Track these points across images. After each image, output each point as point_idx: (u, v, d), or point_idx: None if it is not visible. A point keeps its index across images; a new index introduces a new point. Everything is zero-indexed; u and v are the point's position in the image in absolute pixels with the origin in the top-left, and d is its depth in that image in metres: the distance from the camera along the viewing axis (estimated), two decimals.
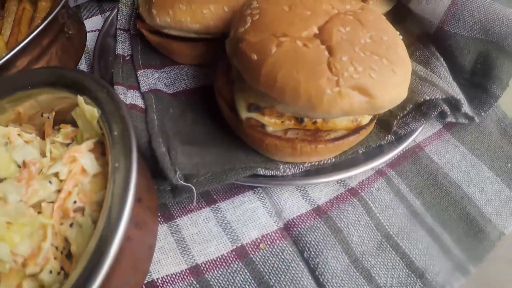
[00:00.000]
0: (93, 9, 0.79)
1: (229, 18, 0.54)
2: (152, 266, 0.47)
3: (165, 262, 0.48)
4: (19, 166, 0.42)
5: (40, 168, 0.42)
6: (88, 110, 0.42)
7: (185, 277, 0.47)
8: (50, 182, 0.41)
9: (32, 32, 0.53)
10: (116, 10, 0.67)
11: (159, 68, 0.61)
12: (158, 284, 0.46)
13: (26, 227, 0.38)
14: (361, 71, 0.42)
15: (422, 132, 0.56)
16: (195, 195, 0.47)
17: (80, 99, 0.43)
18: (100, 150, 0.44)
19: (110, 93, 0.43)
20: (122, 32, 0.65)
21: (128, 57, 0.62)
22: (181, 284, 0.46)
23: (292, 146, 0.48)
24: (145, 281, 0.47)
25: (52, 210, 0.39)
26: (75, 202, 0.40)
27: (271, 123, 0.47)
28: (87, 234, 0.38)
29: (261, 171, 0.49)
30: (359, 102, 0.42)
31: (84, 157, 0.41)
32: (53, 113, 0.50)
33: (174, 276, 0.47)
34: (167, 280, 0.47)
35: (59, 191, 0.40)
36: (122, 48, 0.63)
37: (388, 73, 0.44)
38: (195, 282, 0.46)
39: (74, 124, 0.46)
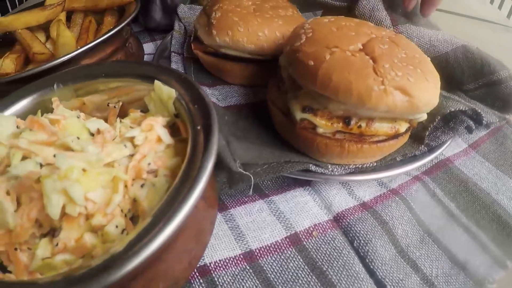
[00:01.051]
0: (145, 37, 0.91)
1: (280, 42, 0.65)
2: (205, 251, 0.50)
3: (219, 247, 0.51)
4: (91, 134, 0.47)
5: (114, 136, 0.47)
6: (166, 90, 0.48)
7: (239, 262, 0.49)
8: (125, 146, 0.45)
9: (99, 38, 0.62)
10: (170, 36, 0.78)
11: (211, 86, 0.70)
12: (210, 268, 0.49)
13: (101, 176, 0.41)
14: (401, 75, 0.51)
15: (451, 149, 0.63)
16: (252, 184, 0.52)
17: (158, 82, 0.50)
18: (170, 132, 0.49)
19: (183, 78, 0.50)
20: (176, 54, 0.75)
21: None
22: (234, 269, 0.49)
23: (340, 145, 0.54)
24: (197, 265, 0.49)
25: (126, 170, 0.43)
26: (149, 164, 0.44)
27: (322, 124, 0.54)
28: (160, 193, 0.42)
29: (313, 168, 0.55)
30: (401, 100, 0.50)
31: (160, 128, 0.47)
32: (120, 103, 0.56)
33: (227, 260, 0.50)
34: (220, 265, 0.49)
35: (132, 155, 0.44)
36: (176, 68, 0.72)
37: (422, 79, 0.52)
38: (248, 267, 0.49)
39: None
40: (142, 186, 0.43)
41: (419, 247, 0.52)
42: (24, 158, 0.43)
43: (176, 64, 0.73)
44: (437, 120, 0.59)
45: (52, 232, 0.40)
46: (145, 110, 0.54)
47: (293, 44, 0.57)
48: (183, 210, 0.35)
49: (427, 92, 0.52)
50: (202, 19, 0.69)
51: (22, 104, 0.54)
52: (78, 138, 0.45)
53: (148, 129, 0.46)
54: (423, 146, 0.59)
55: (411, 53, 0.56)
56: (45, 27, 0.73)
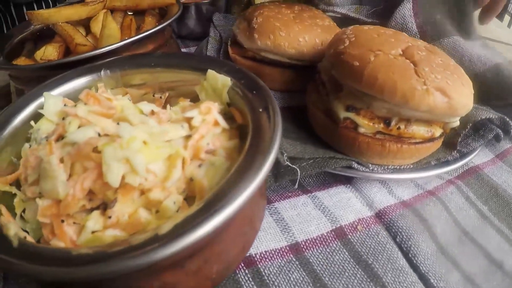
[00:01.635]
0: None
1: (319, 48, 0.68)
2: None
3: (264, 238, 0.52)
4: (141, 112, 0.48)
5: (169, 117, 0.49)
6: (221, 79, 0.50)
7: (285, 253, 0.50)
8: (182, 126, 0.46)
9: (144, 32, 0.65)
10: (205, 41, 0.81)
11: None
12: (256, 259, 0.50)
13: (162, 150, 0.41)
14: (440, 78, 0.55)
15: (479, 158, 0.67)
16: (298, 178, 0.54)
17: (212, 71, 0.52)
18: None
19: (237, 68, 0.52)
20: None
21: None
22: (280, 260, 0.50)
23: (382, 144, 0.57)
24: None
25: (185, 148, 0.43)
26: (208, 144, 0.45)
27: (364, 124, 0.57)
28: (220, 171, 0.42)
29: (355, 165, 0.57)
30: (441, 101, 0.53)
31: (216, 111, 0.48)
32: (166, 94, 0.58)
33: (273, 252, 0.50)
34: (265, 256, 0.50)
35: (188, 137, 0.45)
36: None
37: (459, 84, 0.56)
38: (294, 259, 0.50)
39: None
40: (199, 166, 0.44)
41: (457, 245, 0.54)
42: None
43: None
44: (468, 127, 0.62)
45: (103, 205, 0.40)
46: (193, 100, 0.56)
47: (337, 47, 0.60)
48: (249, 189, 0.35)
49: (464, 95, 0.56)
50: (242, 25, 0.73)
51: (68, 87, 0.55)
52: None
53: (206, 111, 0.48)
54: (455, 151, 0.62)
55: (446, 60, 0.60)
56: (84, 24, 0.76)
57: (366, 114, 0.58)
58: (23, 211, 0.43)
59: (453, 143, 0.63)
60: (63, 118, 0.48)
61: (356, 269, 0.49)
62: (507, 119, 0.63)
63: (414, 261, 0.50)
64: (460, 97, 0.55)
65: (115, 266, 0.31)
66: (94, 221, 0.39)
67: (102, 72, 0.57)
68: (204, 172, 0.43)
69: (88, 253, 0.32)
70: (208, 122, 0.47)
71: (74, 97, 0.54)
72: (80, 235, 0.38)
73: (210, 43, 0.82)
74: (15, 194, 0.43)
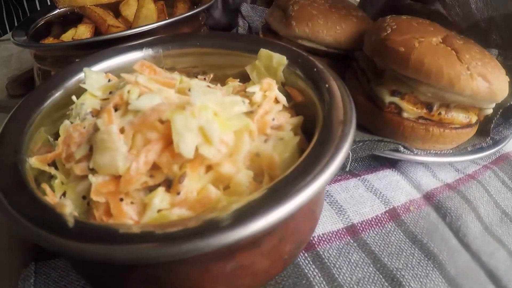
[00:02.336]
0: None
1: (356, 38, 0.70)
2: None
3: (320, 221, 0.53)
4: None
5: (227, 93, 0.48)
6: (276, 57, 0.50)
7: (342, 236, 0.52)
8: (243, 101, 0.44)
9: (181, 15, 0.65)
10: (235, 32, 0.82)
11: None
12: (314, 242, 0.51)
13: (233, 121, 0.40)
14: (481, 65, 0.58)
15: (509, 146, 0.69)
16: (350, 161, 0.55)
17: (265, 50, 0.52)
18: None
19: (289, 48, 0.53)
20: None
21: None
22: (338, 243, 0.51)
23: (425, 128, 0.59)
24: None
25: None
26: (273, 119, 0.44)
27: (408, 109, 0.60)
28: (290, 146, 0.41)
29: (401, 149, 0.59)
30: (483, 86, 0.56)
31: (276, 88, 0.48)
32: (211, 75, 0.58)
33: (330, 234, 0.52)
34: (323, 238, 0.51)
35: (250, 113, 0.43)
36: None
37: (497, 70, 0.59)
38: (352, 241, 0.51)
39: None
40: (265, 141, 0.44)
41: (500, 226, 0.57)
42: None
43: None
44: (499, 113, 0.66)
45: (167, 182, 0.37)
46: (242, 81, 0.56)
47: (380, 34, 0.62)
48: (330, 169, 0.34)
49: (502, 81, 0.59)
50: (276, 13, 0.74)
51: (106, 64, 0.54)
52: None
53: (267, 88, 0.48)
54: (489, 138, 0.66)
55: (481, 50, 0.63)
56: (111, 8, 0.76)
57: (410, 99, 0.60)
58: (63, 194, 0.39)
59: (487, 130, 0.66)
60: (110, 92, 0.46)
61: (413, 249, 0.51)
62: None
63: (465, 241, 0.53)
64: (499, 83, 0.58)
65: (200, 244, 0.28)
66: (161, 198, 0.36)
67: (144, 51, 0.57)
68: (271, 147, 0.42)
69: (167, 231, 0.29)
70: (270, 98, 0.47)
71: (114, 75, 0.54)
72: (144, 214, 0.35)
73: (239, 33, 0.83)
74: (52, 176, 0.40)
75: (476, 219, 0.56)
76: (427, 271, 0.48)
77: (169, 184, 0.37)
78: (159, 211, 0.35)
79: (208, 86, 0.48)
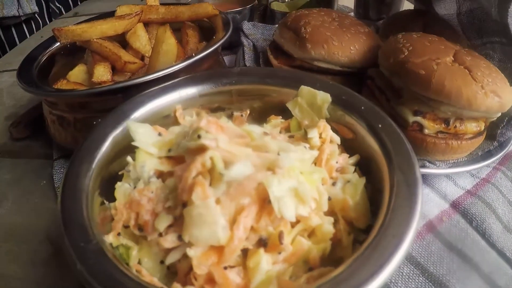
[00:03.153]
0: None
1: (368, 56, 0.76)
2: None
3: None
4: None
5: (285, 138, 0.52)
6: (320, 95, 0.55)
7: None
8: (305, 147, 0.49)
9: (206, 50, 0.66)
10: (240, 52, 0.84)
11: None
12: None
13: (314, 175, 0.45)
14: (491, 81, 0.65)
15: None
16: None
17: (306, 87, 0.56)
18: None
19: (331, 84, 0.57)
20: None
21: None
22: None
23: (446, 142, 0.67)
24: None
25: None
26: (336, 162, 0.50)
27: (430, 126, 0.66)
28: (359, 188, 0.47)
29: (427, 164, 0.66)
30: (495, 101, 0.64)
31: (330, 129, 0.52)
32: (248, 111, 0.61)
33: None
34: None
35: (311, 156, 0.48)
36: None
37: (504, 83, 0.66)
38: None
39: None
40: (333, 184, 0.48)
41: None
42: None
43: None
44: (505, 120, 0.74)
45: (262, 242, 0.40)
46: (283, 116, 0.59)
47: (398, 56, 0.68)
48: (418, 209, 0.39)
49: (509, 93, 0.67)
50: (287, 35, 0.78)
51: (145, 110, 0.55)
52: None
53: (323, 130, 0.52)
54: (495, 142, 0.74)
55: (486, 63, 0.71)
56: (117, 39, 0.74)
57: (430, 116, 0.67)
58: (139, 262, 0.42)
59: (493, 134, 0.75)
60: (169, 150, 0.48)
61: (451, 255, 0.58)
62: None
63: (491, 241, 0.61)
64: (507, 96, 0.66)
65: None
66: (265, 260, 0.39)
67: (179, 92, 0.58)
68: (341, 190, 0.47)
69: None
70: (327, 141, 0.51)
71: (152, 122, 0.54)
72: (254, 279, 0.38)
73: (246, 53, 0.84)
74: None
75: (496, 219, 0.64)
76: (467, 274, 0.56)
77: (264, 243, 0.40)
78: (267, 272, 0.39)
79: (265, 133, 0.50)
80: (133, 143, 0.48)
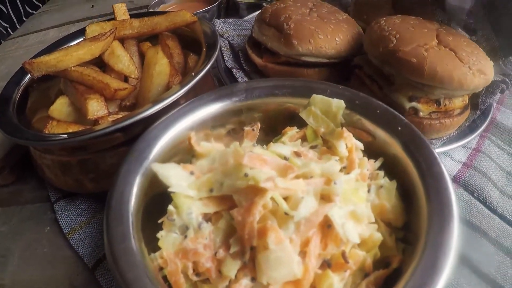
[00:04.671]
0: None
1: (352, 44, 0.79)
2: None
3: None
4: (285, 158, 0.53)
5: (315, 155, 0.55)
6: (335, 102, 0.58)
7: None
8: (336, 160, 0.53)
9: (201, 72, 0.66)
10: (218, 51, 0.84)
11: None
12: None
13: (360, 191, 0.49)
14: (475, 60, 0.72)
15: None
16: None
17: (318, 96, 0.59)
18: None
19: (338, 88, 0.61)
20: (237, 70, 0.83)
21: None
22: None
23: (440, 122, 0.74)
24: None
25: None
26: (367, 169, 0.54)
27: (424, 109, 0.72)
28: (392, 191, 0.52)
29: None
30: (482, 79, 0.71)
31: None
32: (258, 125, 0.63)
33: None
34: None
35: (343, 168, 0.53)
36: None
37: (485, 60, 0.74)
38: None
39: None
40: (368, 191, 0.53)
41: (509, 186, 0.74)
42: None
43: (242, 79, 0.80)
44: (483, 89, 0.82)
45: (326, 263, 0.45)
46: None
47: (387, 45, 0.72)
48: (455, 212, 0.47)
49: (491, 69, 0.74)
50: (269, 32, 0.79)
51: (160, 146, 0.56)
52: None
53: (348, 139, 0.56)
54: (478, 111, 0.83)
55: (465, 38, 0.77)
56: (95, 62, 0.71)
57: (424, 100, 0.73)
58: None
59: (475, 103, 0.83)
60: (210, 191, 0.48)
61: (462, 227, 0.66)
62: (507, 80, 0.85)
63: (492, 207, 0.70)
64: (490, 71, 0.73)
65: None
66: (336, 280, 0.43)
67: (191, 117, 0.59)
68: (376, 195, 0.52)
69: None
70: (353, 149, 0.55)
71: (169, 157, 0.56)
72: None
73: (224, 53, 0.85)
74: None
75: (493, 186, 0.73)
76: (477, 241, 0.65)
77: (328, 264, 0.45)
78: None
79: (296, 153, 0.53)
80: (169, 190, 0.48)
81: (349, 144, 0.56)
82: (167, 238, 0.46)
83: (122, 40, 0.74)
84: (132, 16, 0.78)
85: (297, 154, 0.54)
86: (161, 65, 0.65)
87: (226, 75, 0.84)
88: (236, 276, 0.43)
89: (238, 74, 0.82)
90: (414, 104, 0.72)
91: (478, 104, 0.83)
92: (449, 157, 0.77)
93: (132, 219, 0.47)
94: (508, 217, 0.69)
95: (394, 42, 0.72)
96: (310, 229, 0.43)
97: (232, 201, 0.47)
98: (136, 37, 0.75)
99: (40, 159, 0.66)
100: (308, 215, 0.43)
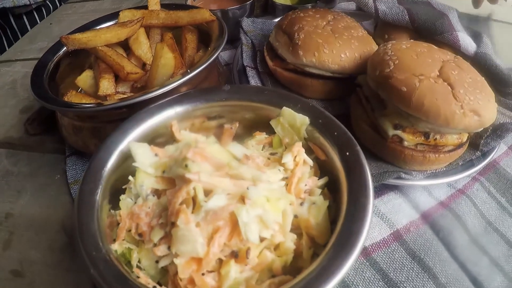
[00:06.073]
0: None
1: (359, 62, 0.83)
2: None
3: None
4: (237, 160, 0.61)
5: (264, 161, 0.62)
6: (299, 117, 0.63)
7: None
8: (279, 170, 0.60)
9: (202, 64, 0.76)
10: (239, 49, 0.94)
11: None
12: None
13: (281, 202, 0.55)
14: (473, 99, 0.71)
15: (496, 152, 0.86)
16: None
17: (288, 109, 0.65)
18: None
19: (311, 106, 0.67)
20: (250, 69, 0.90)
21: None
22: (354, 263, 0.69)
23: (423, 155, 0.75)
24: None
25: (289, 191, 0.58)
26: (305, 185, 0.60)
27: (409, 139, 0.75)
28: (322, 209, 0.57)
29: (403, 175, 0.76)
30: (474, 120, 0.70)
31: (304, 152, 0.62)
32: (237, 124, 0.71)
33: None
34: None
35: (285, 178, 0.59)
36: (254, 82, 0.88)
37: (487, 101, 0.72)
38: (365, 261, 0.68)
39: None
40: (301, 204, 0.58)
41: (484, 235, 0.73)
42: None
43: (253, 78, 0.88)
44: (489, 130, 0.82)
45: (233, 253, 0.52)
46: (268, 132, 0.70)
47: (383, 70, 0.75)
48: (365, 228, 0.50)
49: (491, 111, 0.73)
50: (282, 38, 0.86)
51: (143, 128, 0.66)
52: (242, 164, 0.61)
53: (297, 153, 0.63)
54: (478, 152, 0.82)
55: (473, 76, 0.76)
56: (121, 44, 0.85)
57: (410, 130, 0.75)
58: (139, 261, 0.55)
59: (476, 143, 0.82)
60: (163, 172, 0.60)
61: (412, 264, 0.67)
62: None
63: (455, 253, 0.69)
64: (488, 114, 0.71)
65: None
66: (234, 270, 0.51)
67: (174, 110, 0.70)
68: (307, 210, 0.57)
69: None
70: (300, 164, 0.63)
71: (152, 137, 0.66)
72: (224, 283, 0.51)
73: (244, 51, 0.94)
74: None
75: (464, 232, 0.73)
76: (424, 282, 0.66)
77: (236, 255, 0.52)
78: (234, 278, 0.51)
79: (246, 157, 0.62)
80: (133, 164, 0.60)
81: (297, 158, 0.63)
82: (125, 201, 0.59)
83: (149, 28, 0.87)
84: (163, 6, 0.90)
85: (247, 158, 0.61)
86: (166, 58, 0.75)
87: (238, 73, 0.91)
88: (159, 242, 0.54)
89: (251, 73, 0.89)
90: (398, 132, 0.75)
91: (479, 145, 0.83)
92: (427, 192, 0.78)
93: (103, 181, 0.58)
94: (468, 266, 0.69)
95: (391, 68, 0.74)
96: (216, 220, 0.51)
97: (175, 184, 0.57)
98: (161, 27, 0.86)
99: (60, 119, 0.82)
100: (215, 208, 0.51)
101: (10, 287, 0.70)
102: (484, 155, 0.83)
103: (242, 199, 0.54)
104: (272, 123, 0.68)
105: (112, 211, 0.59)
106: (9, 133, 0.96)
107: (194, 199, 0.54)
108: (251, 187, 0.54)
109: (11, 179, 0.85)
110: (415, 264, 0.69)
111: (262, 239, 0.54)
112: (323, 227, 0.58)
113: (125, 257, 0.56)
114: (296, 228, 0.58)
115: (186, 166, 0.56)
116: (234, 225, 0.52)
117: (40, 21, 1.53)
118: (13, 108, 1.02)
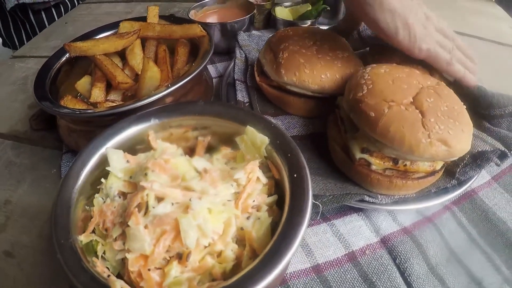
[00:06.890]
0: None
1: (340, 83, 0.86)
2: None
3: (293, 261, 0.74)
4: (197, 172, 0.67)
5: (221, 175, 0.69)
6: (260, 137, 0.67)
7: (308, 273, 0.72)
8: (231, 185, 0.65)
9: (184, 78, 0.83)
10: (232, 63, 1.00)
11: (274, 116, 0.90)
12: (287, 278, 0.71)
13: (223, 214, 0.61)
14: (443, 128, 0.71)
15: (476, 181, 0.84)
16: (320, 211, 0.76)
17: (251, 128, 0.70)
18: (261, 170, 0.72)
19: (273, 126, 0.72)
20: (239, 82, 0.96)
21: (247, 103, 0.93)
22: (305, 279, 0.71)
23: (389, 180, 0.77)
24: None
25: (236, 205, 0.63)
26: (253, 201, 0.65)
27: (376, 163, 0.78)
28: (265, 225, 0.61)
29: (367, 198, 0.78)
30: (442, 150, 0.71)
31: (259, 170, 0.66)
32: (209, 137, 0.78)
33: (299, 272, 0.71)
34: (293, 275, 0.71)
35: (237, 193, 0.65)
36: (242, 95, 0.93)
37: (459, 131, 0.72)
38: (316, 278, 0.71)
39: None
40: (248, 218, 0.64)
41: (446, 265, 0.73)
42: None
43: (241, 92, 0.94)
44: (466, 158, 0.82)
45: (178, 255, 0.59)
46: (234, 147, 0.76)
47: (356, 93, 0.78)
48: (295, 244, 0.55)
49: (462, 142, 0.73)
50: (269, 56, 0.91)
51: (122, 136, 0.73)
52: (195, 178, 0.67)
53: (251, 171, 0.69)
54: (454, 180, 0.83)
55: (451, 104, 0.77)
56: (119, 53, 0.94)
57: (378, 155, 0.78)
58: (103, 252, 0.62)
59: (452, 171, 0.82)
60: (130, 177, 0.68)
61: (363, 286, 0.71)
62: (502, 149, 0.83)
63: (409, 280, 0.70)
64: (459, 144, 0.71)
65: None
66: (175, 270, 0.58)
67: (152, 121, 0.78)
68: (251, 224, 0.62)
69: None
70: (253, 180, 0.68)
71: (129, 145, 0.73)
72: (165, 280, 0.58)
73: (236, 65, 0.99)
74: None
75: (423, 260, 0.73)
76: None
77: (180, 256, 0.59)
78: (175, 277, 0.58)
79: (205, 170, 0.68)
80: (106, 168, 0.68)
81: (250, 175, 0.69)
82: (97, 200, 0.66)
83: (146, 40, 0.95)
84: (164, 18, 0.98)
85: (205, 171, 0.68)
86: (152, 71, 0.81)
87: (227, 85, 0.96)
88: (117, 238, 0.61)
89: (239, 86, 0.93)
90: (365, 156, 0.77)
91: (455, 173, 0.84)
92: (392, 217, 0.79)
93: (82, 179, 0.67)
94: None
95: (364, 92, 0.76)
96: (162, 224, 0.58)
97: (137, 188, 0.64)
98: (157, 39, 0.94)
99: (58, 119, 0.92)
100: (161, 214, 0.59)
101: (1, 265, 0.79)
102: (461, 184, 0.83)
103: (187, 209, 0.60)
104: (237, 140, 0.73)
105: (87, 207, 0.67)
106: (16, 127, 1.07)
107: (148, 204, 0.61)
108: (194, 199, 0.61)
109: (13, 169, 0.95)
110: (366, 286, 0.71)
111: (204, 246, 0.60)
112: (263, 241, 0.63)
113: (93, 248, 0.63)
114: (243, 239, 0.64)
115: (145, 174, 0.63)
116: (178, 230, 0.59)
117: (57, 18, 1.64)
118: (22, 103, 1.13)
